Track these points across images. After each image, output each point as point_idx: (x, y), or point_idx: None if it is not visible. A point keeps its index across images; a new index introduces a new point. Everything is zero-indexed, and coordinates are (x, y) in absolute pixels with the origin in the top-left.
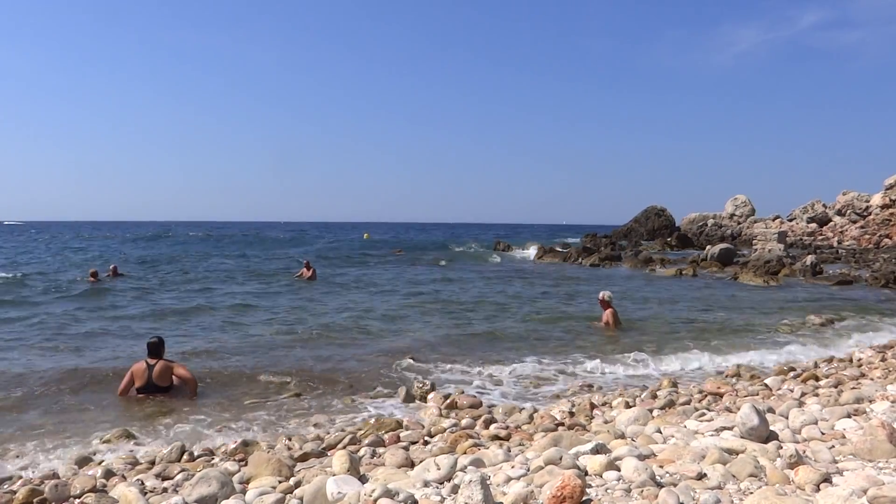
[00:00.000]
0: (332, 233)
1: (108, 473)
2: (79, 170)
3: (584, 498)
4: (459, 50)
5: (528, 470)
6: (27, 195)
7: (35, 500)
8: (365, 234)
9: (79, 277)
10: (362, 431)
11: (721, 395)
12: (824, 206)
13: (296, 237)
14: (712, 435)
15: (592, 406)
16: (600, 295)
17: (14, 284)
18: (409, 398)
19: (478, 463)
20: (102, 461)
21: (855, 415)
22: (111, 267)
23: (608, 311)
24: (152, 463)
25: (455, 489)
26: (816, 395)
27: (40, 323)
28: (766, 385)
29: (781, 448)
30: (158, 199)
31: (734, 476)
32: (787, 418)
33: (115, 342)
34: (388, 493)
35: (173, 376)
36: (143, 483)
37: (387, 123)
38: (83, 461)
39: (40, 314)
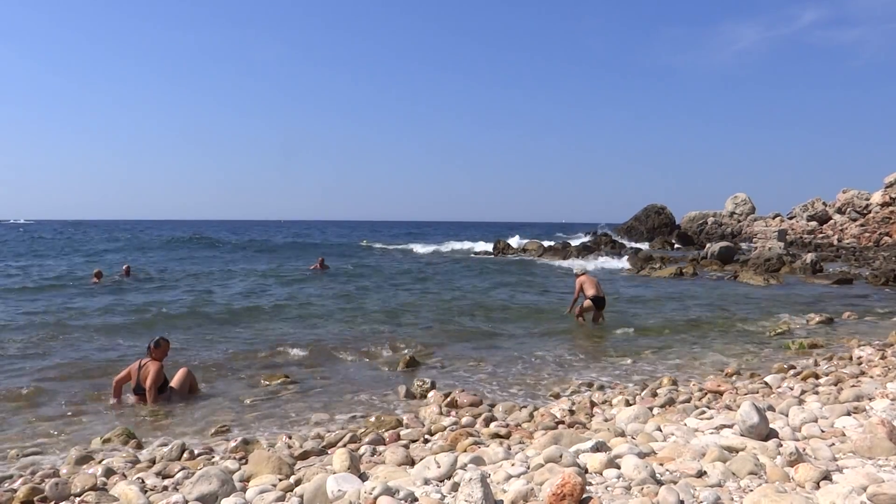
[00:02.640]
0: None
1: (109, 472)
2: (84, 168)
3: (584, 496)
4: (462, 40)
5: (529, 468)
6: (36, 194)
7: (35, 499)
8: (363, 242)
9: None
10: (362, 430)
11: (721, 393)
12: (824, 204)
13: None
14: (712, 433)
15: (592, 404)
16: (576, 269)
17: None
18: (409, 396)
19: (478, 461)
20: (103, 459)
21: (855, 413)
22: (124, 267)
23: (590, 280)
24: (153, 461)
25: (455, 487)
26: (816, 392)
27: (41, 320)
28: (766, 383)
29: (781, 446)
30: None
31: (734, 474)
32: (786, 416)
33: (115, 340)
34: (389, 491)
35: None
36: (143, 481)
37: (396, 115)
38: (83, 459)
39: (41, 311)
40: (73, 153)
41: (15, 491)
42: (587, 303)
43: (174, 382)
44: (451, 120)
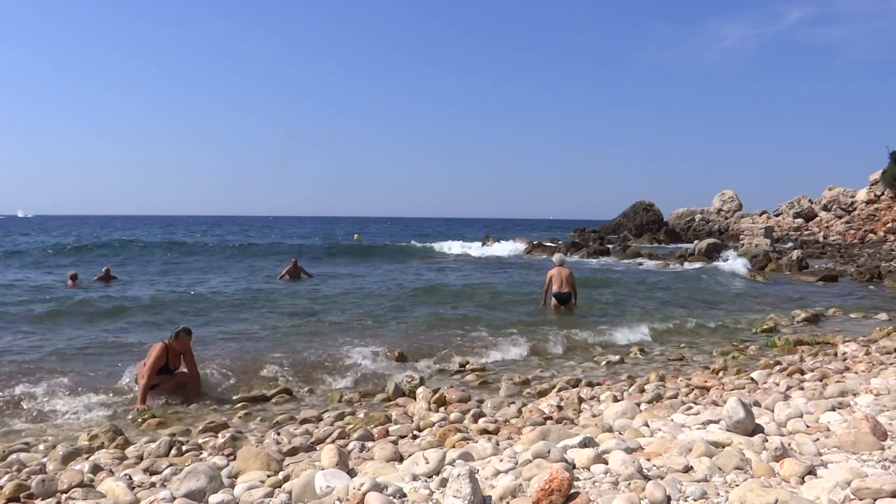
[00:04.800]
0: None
1: (96, 468)
2: (82, 163)
3: (571, 491)
4: (455, 36)
5: (517, 463)
6: (36, 188)
7: (22, 495)
8: (355, 235)
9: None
10: (351, 426)
11: (708, 389)
12: (810, 201)
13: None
14: (699, 428)
15: (580, 400)
16: (554, 259)
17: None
18: (397, 393)
19: (466, 457)
20: (90, 456)
21: (839, 408)
22: (104, 269)
23: (559, 274)
24: (140, 458)
25: (444, 483)
26: (802, 388)
27: (31, 314)
28: (752, 379)
29: (767, 441)
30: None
31: (720, 469)
32: (772, 411)
33: (103, 338)
34: (377, 487)
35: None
36: (130, 478)
37: (389, 112)
38: (70, 455)
39: (30, 308)
40: (66, 148)
41: (1, 487)
42: (553, 300)
43: (187, 371)
44: (441, 115)
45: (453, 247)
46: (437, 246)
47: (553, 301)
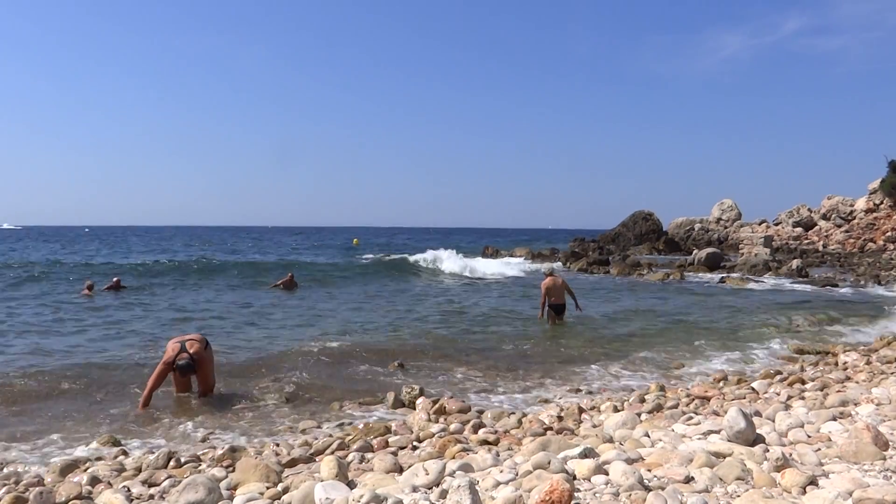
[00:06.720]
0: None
1: (94, 480)
2: (75, 174)
3: (572, 502)
4: (451, 48)
5: (517, 474)
6: (25, 199)
7: None
8: (354, 241)
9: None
10: (350, 437)
11: (708, 399)
12: (809, 210)
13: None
14: (700, 438)
15: (581, 410)
16: (543, 270)
17: None
18: (397, 403)
19: (466, 468)
20: (88, 467)
21: (840, 417)
22: (114, 279)
23: (554, 285)
24: (139, 469)
25: (443, 494)
26: (802, 398)
27: (32, 324)
28: (752, 388)
29: (768, 451)
30: (158, 202)
31: (721, 479)
32: (773, 421)
33: (106, 346)
34: (377, 499)
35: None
36: (129, 490)
37: (384, 123)
38: (68, 467)
39: (28, 313)
40: (57, 158)
41: None
42: (550, 312)
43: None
44: (436, 127)
45: (450, 258)
46: (432, 256)
47: (550, 312)
